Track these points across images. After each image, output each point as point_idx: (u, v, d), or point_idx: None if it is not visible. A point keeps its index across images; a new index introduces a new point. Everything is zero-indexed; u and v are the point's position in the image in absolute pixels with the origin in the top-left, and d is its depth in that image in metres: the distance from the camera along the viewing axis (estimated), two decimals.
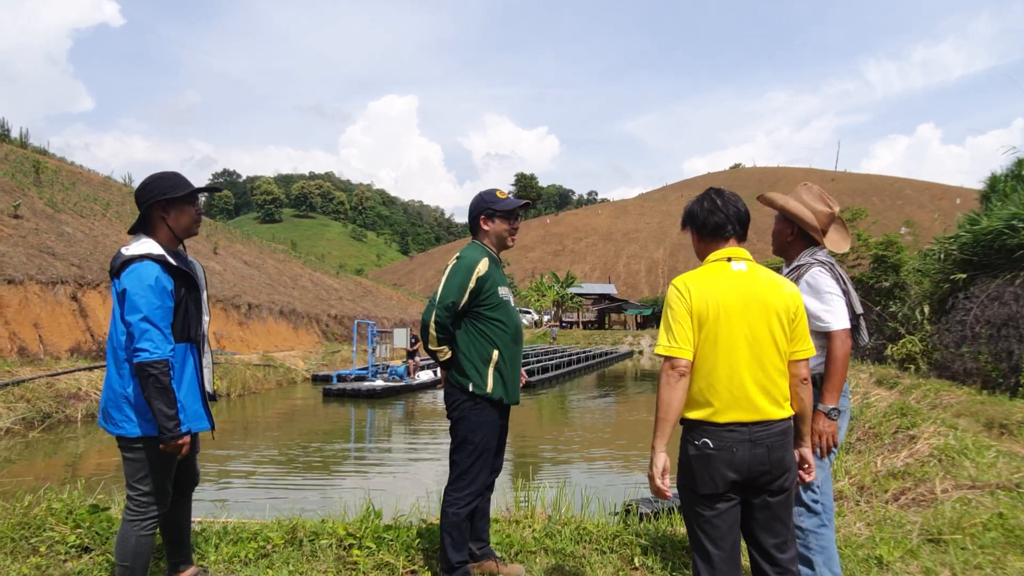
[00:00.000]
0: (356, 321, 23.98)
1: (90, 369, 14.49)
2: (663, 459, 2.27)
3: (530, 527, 3.69)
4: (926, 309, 13.85)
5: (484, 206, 3.26)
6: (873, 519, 4.02)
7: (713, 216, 2.42)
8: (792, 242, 2.98)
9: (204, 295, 2.92)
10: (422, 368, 21.56)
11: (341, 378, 20.17)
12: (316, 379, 21.70)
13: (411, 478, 9.14)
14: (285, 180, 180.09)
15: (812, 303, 2.73)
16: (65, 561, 3.23)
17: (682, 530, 3.75)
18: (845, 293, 2.83)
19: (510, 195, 3.32)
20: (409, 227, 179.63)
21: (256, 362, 20.41)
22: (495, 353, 3.09)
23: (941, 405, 8.43)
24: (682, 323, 2.28)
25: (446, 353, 3.08)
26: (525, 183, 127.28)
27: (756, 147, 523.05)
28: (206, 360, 2.90)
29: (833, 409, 2.71)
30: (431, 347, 3.07)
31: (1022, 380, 8.93)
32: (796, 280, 2.80)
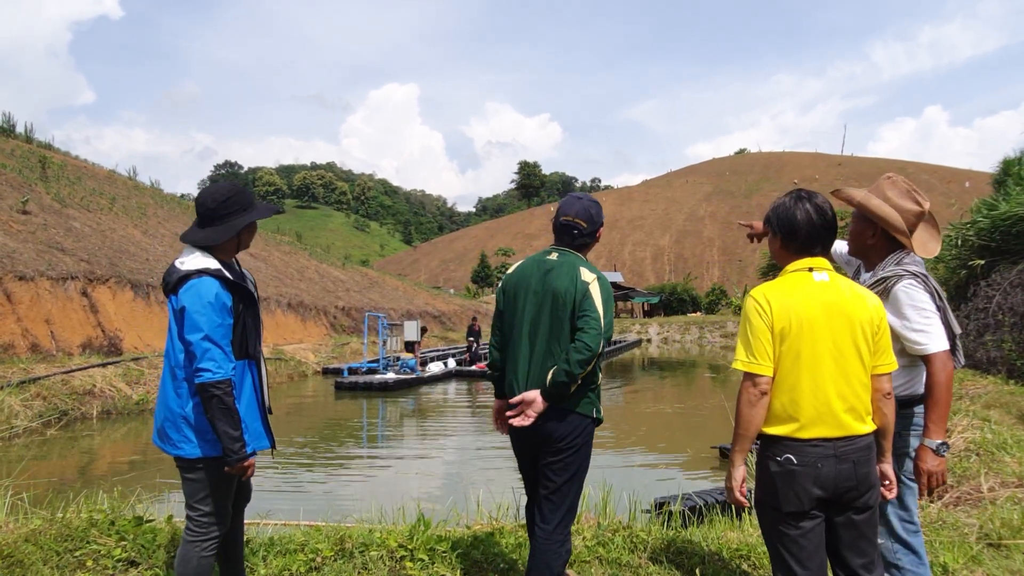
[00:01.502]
0: (366, 313, 23.95)
1: (103, 365, 14.49)
2: (742, 471, 2.29)
3: (580, 535, 3.63)
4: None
5: (600, 219, 2.98)
6: (925, 520, 3.95)
7: (807, 228, 2.30)
8: (874, 245, 2.69)
9: (259, 303, 2.85)
10: (430, 360, 21.57)
11: (352, 371, 20.15)
12: (327, 372, 21.69)
13: (441, 476, 9.10)
14: (287, 171, 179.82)
15: (904, 322, 2.49)
16: (113, 575, 3.18)
17: (735, 535, 3.68)
18: (940, 309, 2.53)
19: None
20: (412, 217, 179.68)
21: (267, 356, 20.36)
22: (599, 377, 2.88)
23: (968, 396, 8.35)
24: (762, 338, 2.20)
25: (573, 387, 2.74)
26: (528, 171, 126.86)
27: (762, 131, 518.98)
28: (263, 374, 2.83)
29: (942, 444, 2.44)
30: (582, 377, 2.68)
31: None
32: (883, 293, 2.54)
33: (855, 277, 2.84)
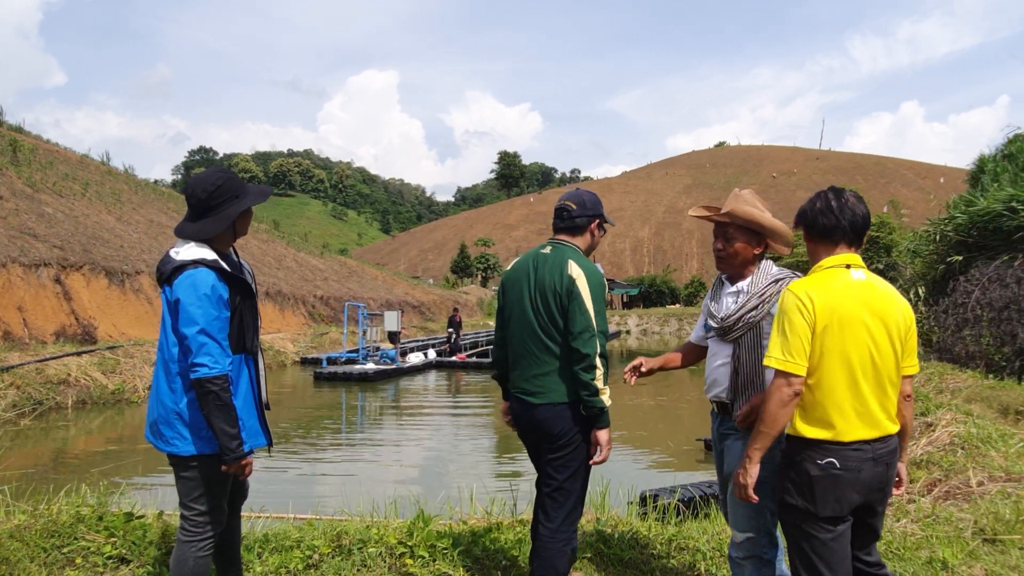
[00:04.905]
0: (346, 303, 23.74)
1: (78, 354, 14.19)
2: (758, 469, 2.26)
3: (580, 530, 3.59)
4: (921, 291, 13.91)
5: (601, 210, 2.95)
6: (918, 516, 3.99)
7: (823, 218, 2.29)
8: (757, 256, 2.73)
9: (256, 300, 2.76)
10: (410, 351, 21.47)
11: (331, 361, 19.99)
12: (305, 362, 21.51)
13: (424, 469, 9.04)
14: (263, 158, 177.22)
15: None
16: (103, 573, 3.09)
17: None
18: None
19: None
20: (390, 205, 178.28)
21: None
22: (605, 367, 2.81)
23: (948, 389, 8.47)
24: (801, 336, 2.16)
25: (608, 397, 2.68)
26: (509, 161, 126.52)
27: (741, 124, 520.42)
28: (260, 369, 2.75)
29: None
30: (599, 384, 2.64)
31: None
32: (777, 292, 2.59)
33: (716, 295, 2.81)
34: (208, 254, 2.52)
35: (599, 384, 2.64)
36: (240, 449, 2.43)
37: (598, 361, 2.64)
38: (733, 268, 2.74)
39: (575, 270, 2.72)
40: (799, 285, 2.25)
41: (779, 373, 2.17)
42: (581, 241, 2.91)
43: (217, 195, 2.56)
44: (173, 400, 2.50)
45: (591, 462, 2.76)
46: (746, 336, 2.61)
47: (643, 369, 2.90)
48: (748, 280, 2.68)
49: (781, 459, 2.28)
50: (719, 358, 2.71)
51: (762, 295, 2.61)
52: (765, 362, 2.23)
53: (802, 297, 2.20)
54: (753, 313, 2.60)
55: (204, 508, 2.54)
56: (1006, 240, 11.46)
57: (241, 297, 2.59)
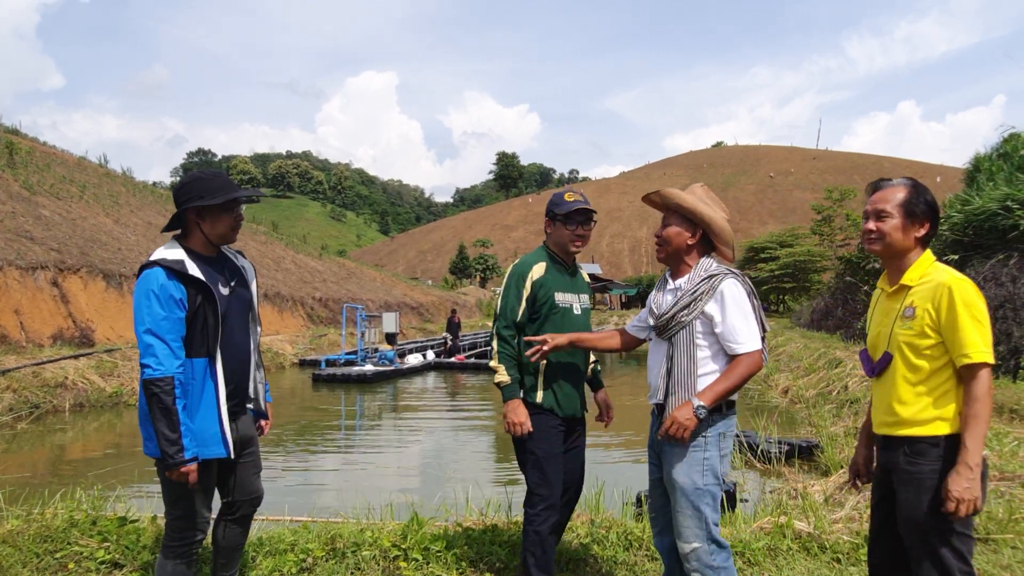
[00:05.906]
0: (344, 305, 23.74)
1: (76, 357, 14.17)
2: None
3: (574, 531, 3.60)
4: None
5: (548, 208, 3.18)
6: None
7: None
8: (692, 247, 2.69)
9: (254, 300, 2.76)
10: (408, 352, 21.45)
11: (330, 363, 19.98)
12: (304, 364, 21.49)
13: (422, 471, 9.03)
14: (261, 159, 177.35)
15: (727, 319, 2.54)
16: None
17: (727, 531, 3.68)
18: (755, 308, 2.61)
19: (580, 196, 3.10)
20: (389, 207, 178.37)
21: None
22: (542, 363, 2.98)
23: None
24: (988, 326, 2.11)
25: (502, 374, 2.92)
26: (507, 162, 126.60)
27: (739, 124, 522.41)
28: (260, 375, 2.74)
29: (701, 407, 2.48)
30: (493, 362, 2.98)
31: (1023, 363, 9.01)
32: (710, 290, 2.57)
33: (661, 288, 2.78)
34: (172, 254, 2.49)
35: (493, 363, 2.98)
36: (179, 456, 2.35)
37: (493, 342, 3.00)
38: (668, 257, 2.73)
39: (512, 264, 3.11)
40: (957, 271, 2.20)
41: (986, 368, 2.09)
42: (548, 240, 3.21)
43: (180, 194, 2.57)
44: (144, 401, 2.48)
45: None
46: (680, 335, 2.58)
47: (546, 348, 2.89)
48: (686, 277, 2.66)
49: (929, 465, 2.15)
50: (657, 363, 2.68)
51: (694, 293, 2.57)
52: (977, 358, 2.09)
53: (976, 288, 2.16)
54: (685, 312, 2.57)
55: (180, 513, 2.52)
56: (1001, 239, 11.49)
57: (203, 298, 2.51)
